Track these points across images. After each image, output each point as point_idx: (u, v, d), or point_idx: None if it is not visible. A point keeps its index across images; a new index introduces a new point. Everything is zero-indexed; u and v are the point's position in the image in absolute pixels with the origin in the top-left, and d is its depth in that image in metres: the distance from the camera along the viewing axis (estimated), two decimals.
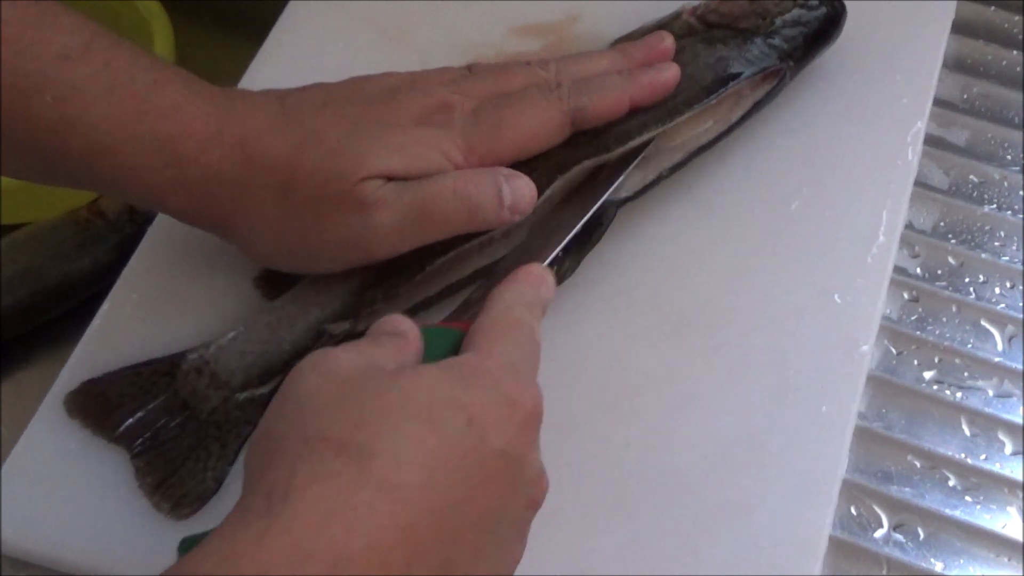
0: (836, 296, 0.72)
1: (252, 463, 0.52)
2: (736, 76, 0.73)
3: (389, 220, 0.64)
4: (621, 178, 0.70)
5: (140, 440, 0.66)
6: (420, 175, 0.65)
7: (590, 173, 0.71)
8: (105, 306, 0.72)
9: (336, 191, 0.63)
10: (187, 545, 0.53)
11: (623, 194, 0.71)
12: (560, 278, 0.69)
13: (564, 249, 0.68)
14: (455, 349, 0.57)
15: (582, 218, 0.69)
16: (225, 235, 0.67)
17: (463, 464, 0.51)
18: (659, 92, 0.71)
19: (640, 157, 0.71)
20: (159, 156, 0.62)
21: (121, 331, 0.71)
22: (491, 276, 0.65)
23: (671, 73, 0.71)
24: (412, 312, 0.69)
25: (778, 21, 0.75)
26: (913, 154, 0.77)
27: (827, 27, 0.77)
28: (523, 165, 0.68)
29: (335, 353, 0.54)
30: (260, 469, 0.50)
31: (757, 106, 0.75)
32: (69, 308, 0.79)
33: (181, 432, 0.66)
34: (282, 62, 0.81)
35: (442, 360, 0.55)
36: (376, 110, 0.67)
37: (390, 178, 0.64)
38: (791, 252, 0.74)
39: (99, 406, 0.68)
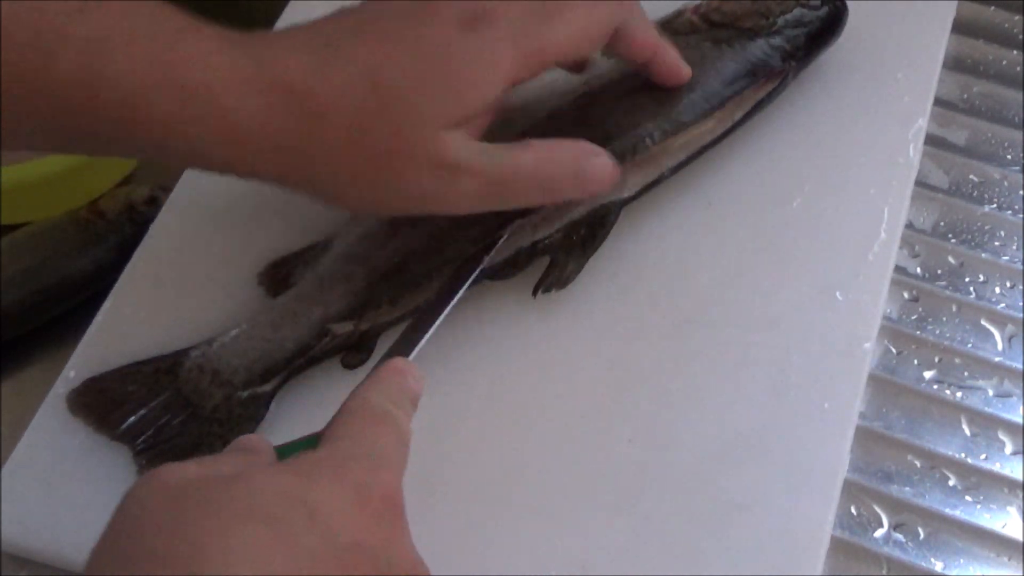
0: (838, 293, 0.72)
1: None
2: (740, 84, 0.73)
3: (471, 187, 0.62)
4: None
5: (143, 438, 0.66)
6: (485, 106, 0.62)
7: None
8: (107, 304, 0.72)
9: (411, 147, 0.61)
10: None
11: (626, 194, 0.71)
12: (565, 281, 0.70)
13: (566, 252, 0.68)
14: None
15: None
16: (289, 186, 0.63)
17: (309, 561, 0.46)
18: (675, 76, 0.71)
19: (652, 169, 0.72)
20: (193, 107, 0.58)
21: (123, 329, 0.71)
22: (493, 280, 0.65)
23: (688, 72, 0.71)
24: (415, 314, 0.69)
25: (780, 20, 0.75)
26: (914, 152, 0.77)
27: (829, 26, 0.78)
28: None
29: (171, 466, 0.50)
30: None
31: (759, 105, 0.75)
32: (69, 308, 0.79)
33: (183, 430, 0.66)
34: None
35: (281, 462, 0.51)
36: (414, 25, 0.62)
37: (462, 122, 0.61)
38: (792, 250, 0.74)
39: (102, 404, 0.68)
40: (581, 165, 0.66)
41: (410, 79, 0.61)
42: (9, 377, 0.77)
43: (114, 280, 0.74)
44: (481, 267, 0.69)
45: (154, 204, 0.80)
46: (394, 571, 0.49)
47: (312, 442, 0.54)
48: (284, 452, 0.53)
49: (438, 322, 0.65)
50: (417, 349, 0.63)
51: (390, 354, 0.62)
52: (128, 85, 0.57)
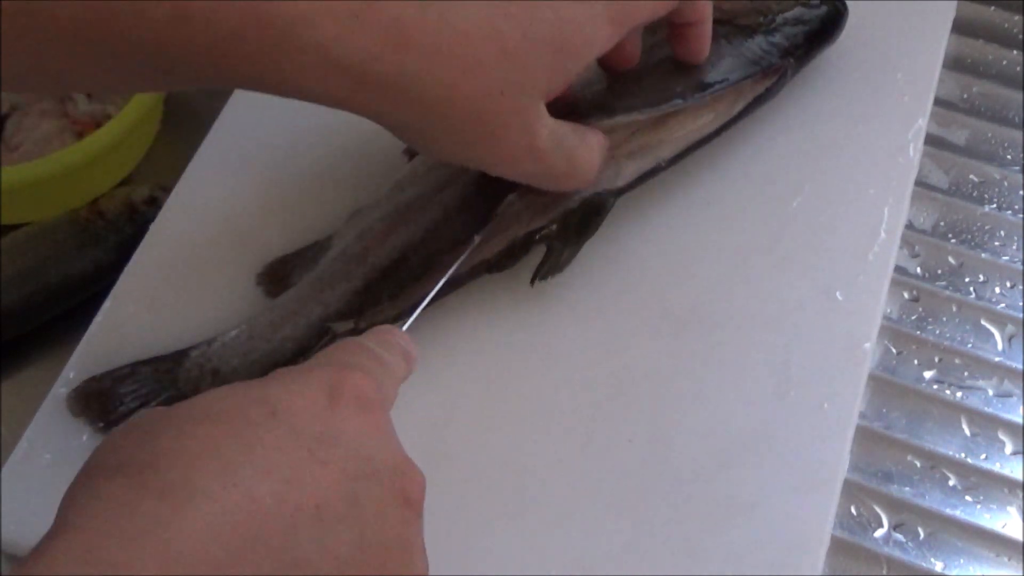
0: (838, 293, 0.72)
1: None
2: (736, 75, 0.73)
3: (543, 169, 0.64)
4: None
5: None
6: (579, 74, 0.63)
7: None
8: (107, 304, 0.72)
9: (512, 110, 0.61)
10: None
11: (620, 183, 0.71)
12: (559, 268, 0.70)
13: (562, 239, 0.68)
14: None
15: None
16: (383, 124, 0.62)
17: (274, 455, 0.45)
18: (702, 49, 0.72)
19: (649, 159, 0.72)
20: (291, 40, 0.56)
21: (123, 329, 0.71)
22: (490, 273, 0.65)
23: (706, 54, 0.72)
24: (415, 308, 0.69)
25: (779, 19, 0.76)
26: (914, 151, 0.77)
27: (828, 25, 0.78)
28: None
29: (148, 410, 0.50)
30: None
31: (758, 101, 0.75)
32: (69, 308, 0.79)
33: None
34: None
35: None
36: None
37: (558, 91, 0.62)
38: (792, 250, 0.74)
39: (102, 403, 0.68)
40: (603, 160, 0.68)
41: (527, 37, 0.60)
42: (9, 377, 0.77)
43: (114, 280, 0.74)
44: (474, 244, 0.69)
45: (154, 204, 0.80)
46: (377, 467, 0.48)
47: None
48: None
49: (431, 294, 0.66)
50: (411, 321, 0.63)
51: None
52: (221, 22, 0.55)
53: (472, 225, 0.69)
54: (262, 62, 0.56)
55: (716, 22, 0.74)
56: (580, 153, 0.66)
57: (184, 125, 0.86)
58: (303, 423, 0.46)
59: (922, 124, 0.78)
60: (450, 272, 0.68)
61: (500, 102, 0.60)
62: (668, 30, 0.72)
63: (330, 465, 0.46)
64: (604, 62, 0.71)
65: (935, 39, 0.83)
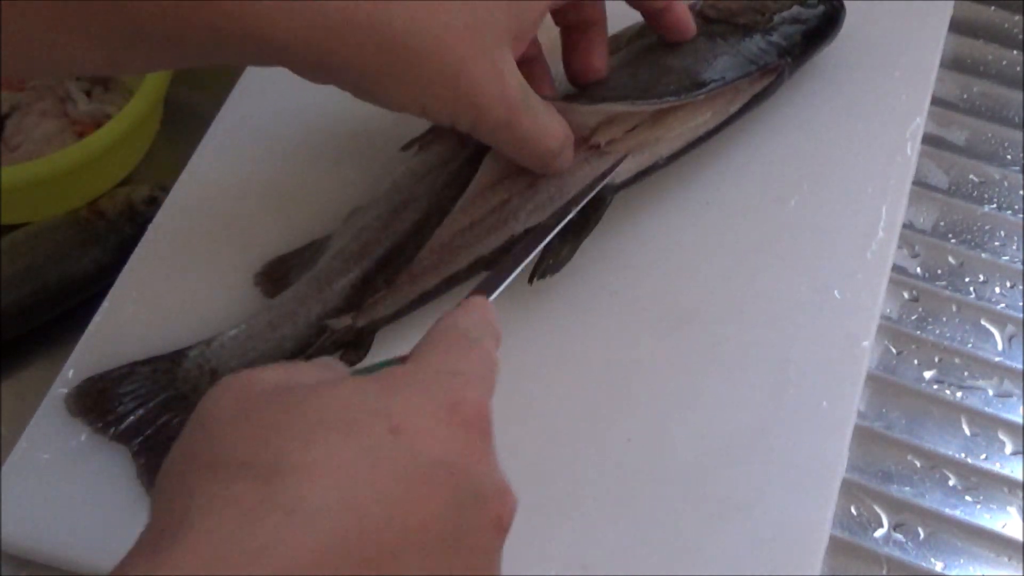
0: (836, 292, 0.72)
1: (153, 498, 0.47)
2: (733, 74, 0.73)
3: (501, 117, 0.64)
4: (614, 170, 0.71)
5: (141, 437, 0.66)
6: (536, 23, 0.65)
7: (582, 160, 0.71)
8: (105, 304, 0.72)
9: (472, 56, 0.62)
10: None
11: (618, 179, 0.71)
12: (558, 266, 0.70)
13: (560, 236, 0.68)
14: None
15: (576, 207, 0.69)
16: (348, 76, 0.63)
17: (390, 478, 0.45)
18: (685, 26, 0.73)
19: (628, 154, 0.72)
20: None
21: (122, 329, 0.71)
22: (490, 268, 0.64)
23: (693, 28, 0.73)
24: (414, 305, 0.69)
25: (776, 18, 0.76)
26: (912, 150, 0.78)
27: (826, 25, 0.78)
28: None
29: (251, 371, 0.49)
30: (156, 503, 0.46)
31: (756, 100, 0.76)
32: (69, 308, 0.79)
33: (182, 429, 0.66)
34: None
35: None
36: None
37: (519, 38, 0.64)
38: (791, 248, 0.74)
39: (100, 404, 0.67)
40: (564, 152, 0.68)
41: None
42: (9, 377, 0.77)
43: (114, 280, 0.74)
44: (573, 213, 0.69)
45: (154, 204, 0.80)
46: (479, 492, 0.48)
47: (389, 364, 0.53)
48: (367, 370, 0.52)
49: (521, 267, 0.64)
50: (499, 291, 0.62)
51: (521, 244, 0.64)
52: None
53: (472, 221, 0.69)
54: (228, 8, 0.57)
55: (714, 22, 0.74)
56: (548, 119, 0.66)
57: (184, 125, 0.86)
58: (422, 446, 0.46)
59: (920, 123, 0.79)
60: (544, 241, 0.68)
61: (464, 38, 0.61)
62: (647, 18, 0.73)
63: (441, 489, 0.46)
64: (573, 73, 0.73)
65: (933, 37, 0.83)
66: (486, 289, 0.61)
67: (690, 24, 0.73)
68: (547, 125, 0.66)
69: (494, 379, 0.52)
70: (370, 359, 0.69)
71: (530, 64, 0.70)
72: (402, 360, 0.52)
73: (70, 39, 0.58)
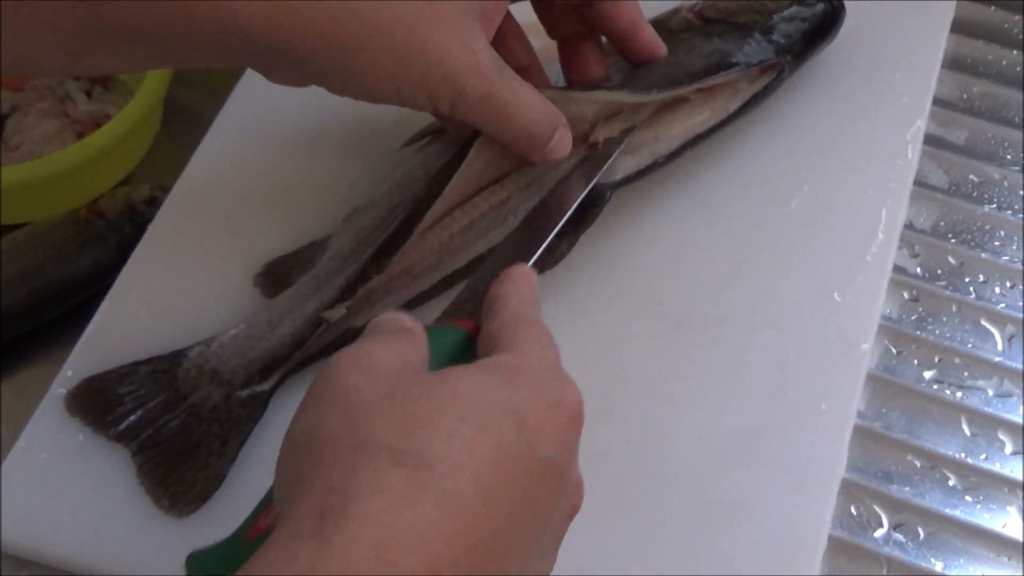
0: (836, 294, 0.72)
1: (291, 471, 0.48)
2: (729, 67, 0.73)
3: (479, 91, 0.63)
4: (610, 161, 0.70)
5: (141, 438, 0.66)
6: None
7: (582, 158, 0.71)
8: (105, 304, 0.72)
9: (442, 28, 0.62)
10: (195, 561, 0.51)
11: (618, 176, 0.72)
12: (556, 260, 0.69)
13: (559, 232, 0.68)
14: (462, 349, 0.55)
15: (574, 202, 0.68)
16: (315, 65, 0.62)
17: (515, 473, 0.47)
18: (653, 49, 0.72)
19: (625, 144, 0.71)
20: None
21: (121, 329, 0.71)
22: (484, 267, 0.64)
23: (663, 50, 0.73)
24: (412, 305, 0.69)
25: (776, 18, 0.76)
26: (913, 152, 0.78)
27: (825, 24, 0.78)
28: None
29: (364, 348, 0.50)
30: (304, 480, 0.46)
31: (755, 99, 0.76)
32: (69, 308, 0.79)
33: (182, 430, 0.66)
34: None
35: (479, 361, 0.52)
36: None
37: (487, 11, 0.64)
38: (791, 250, 0.74)
39: (100, 404, 0.68)
40: (557, 132, 0.67)
41: None
42: (9, 377, 0.77)
43: (114, 280, 0.74)
44: (593, 182, 0.69)
45: (154, 204, 0.80)
46: (567, 486, 0.51)
47: (458, 335, 0.56)
48: (432, 335, 0.54)
49: (556, 230, 0.66)
50: (535, 257, 0.63)
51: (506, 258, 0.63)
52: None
53: (470, 220, 0.69)
54: (192, 6, 0.58)
55: (713, 22, 0.74)
56: (528, 94, 0.65)
57: (184, 125, 0.86)
58: (539, 442, 0.48)
59: (921, 125, 0.79)
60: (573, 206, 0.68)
61: (426, 15, 0.61)
62: (615, 45, 0.73)
63: (544, 486, 0.49)
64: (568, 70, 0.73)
65: (934, 39, 0.83)
66: (523, 256, 0.63)
67: (660, 45, 0.73)
68: (528, 99, 0.66)
69: None
70: None
71: (525, 73, 0.70)
72: (466, 330, 0.56)
73: (38, 35, 0.58)
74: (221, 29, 0.59)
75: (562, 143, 0.68)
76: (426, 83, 0.62)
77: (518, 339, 0.53)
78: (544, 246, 0.65)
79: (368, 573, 0.42)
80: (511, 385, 0.49)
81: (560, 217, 0.67)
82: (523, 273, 0.59)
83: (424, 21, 0.61)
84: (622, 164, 0.71)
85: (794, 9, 0.77)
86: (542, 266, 0.69)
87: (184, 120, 0.87)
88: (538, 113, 0.66)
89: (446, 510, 0.44)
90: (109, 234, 0.80)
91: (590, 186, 0.69)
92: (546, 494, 0.49)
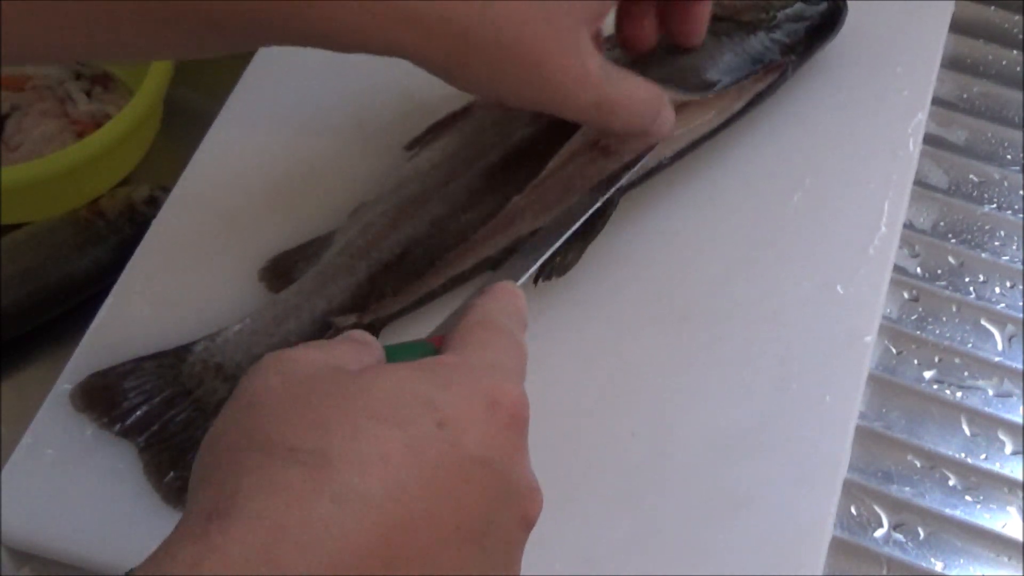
0: (838, 287, 0.72)
1: (197, 474, 0.47)
2: (738, 74, 0.74)
3: (591, 98, 0.64)
4: (630, 172, 0.71)
5: (147, 433, 0.66)
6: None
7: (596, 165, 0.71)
8: (110, 300, 0.72)
9: (561, 39, 0.62)
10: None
11: (624, 181, 0.71)
12: (564, 268, 0.70)
13: (567, 239, 0.68)
14: None
15: (587, 210, 0.68)
16: (426, 61, 0.63)
17: (435, 471, 0.45)
18: (699, 30, 0.72)
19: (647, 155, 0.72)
20: None
21: (126, 326, 0.71)
22: (494, 270, 0.64)
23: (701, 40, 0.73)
24: (417, 304, 0.69)
25: (780, 15, 0.76)
26: (914, 146, 0.78)
27: (829, 21, 0.78)
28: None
29: (294, 351, 0.49)
30: (203, 481, 0.46)
31: (759, 97, 0.76)
32: (69, 308, 0.79)
33: (188, 424, 0.66)
34: (282, 62, 0.81)
35: (415, 361, 0.50)
36: None
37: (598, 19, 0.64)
38: (793, 244, 0.74)
39: (106, 399, 0.67)
40: (661, 112, 0.68)
41: None
42: (9, 377, 0.77)
43: (114, 280, 0.73)
44: (605, 197, 0.69)
45: (154, 204, 0.80)
46: (513, 489, 0.48)
47: (420, 347, 0.53)
48: (393, 353, 0.52)
49: (548, 253, 0.65)
50: (526, 277, 0.62)
51: (497, 278, 0.62)
52: None
53: (478, 221, 0.69)
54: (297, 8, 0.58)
55: (718, 19, 0.74)
56: (632, 85, 0.66)
57: (184, 125, 0.86)
58: (466, 440, 0.46)
59: (922, 118, 0.79)
60: (573, 227, 0.67)
61: (542, 32, 0.61)
62: (667, 10, 0.72)
63: (477, 486, 0.46)
64: (625, 41, 0.73)
65: (934, 32, 0.84)
66: (511, 275, 0.61)
67: (703, 30, 0.73)
68: (633, 91, 0.66)
69: (525, 370, 0.53)
70: None
71: None
72: (434, 344, 0.53)
73: (123, 22, 0.58)
74: (333, 37, 0.60)
75: (665, 122, 0.69)
76: (537, 96, 0.64)
77: (467, 340, 0.52)
78: (546, 257, 0.65)
79: (252, 575, 0.41)
80: (437, 383, 0.48)
81: (574, 221, 0.67)
82: (504, 288, 0.57)
83: (541, 42, 0.62)
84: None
85: (798, 7, 0.77)
86: (550, 275, 0.69)
87: (184, 120, 0.87)
88: (642, 102, 0.67)
89: (346, 508, 0.43)
90: (109, 234, 0.80)
91: (611, 191, 0.70)
92: (480, 495, 0.47)
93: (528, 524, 0.50)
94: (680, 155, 0.74)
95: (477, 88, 0.65)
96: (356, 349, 0.51)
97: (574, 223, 0.67)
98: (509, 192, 0.70)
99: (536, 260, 0.64)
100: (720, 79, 0.73)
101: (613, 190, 0.70)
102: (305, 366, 0.48)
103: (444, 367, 0.49)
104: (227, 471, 0.45)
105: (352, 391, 0.46)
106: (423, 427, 0.46)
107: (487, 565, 0.47)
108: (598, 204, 0.68)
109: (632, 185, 0.72)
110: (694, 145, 0.74)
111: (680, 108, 0.72)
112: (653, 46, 0.72)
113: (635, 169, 0.71)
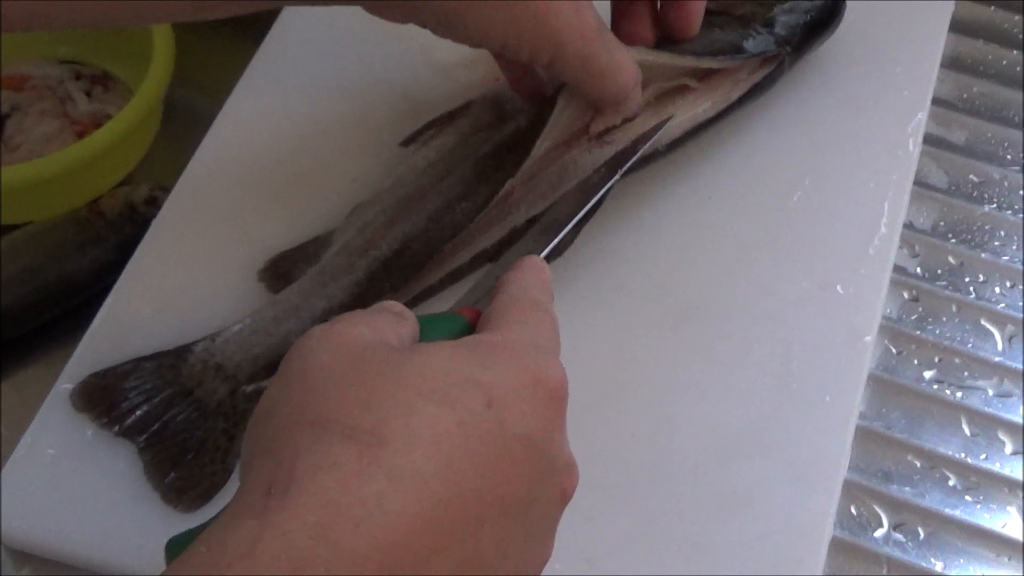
0: (838, 287, 0.72)
1: (250, 448, 0.48)
2: (731, 54, 0.74)
3: (587, 53, 0.65)
4: (630, 163, 0.70)
5: (147, 433, 0.66)
6: None
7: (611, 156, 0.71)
8: (110, 300, 0.72)
9: (561, 6, 0.63)
10: (174, 545, 0.49)
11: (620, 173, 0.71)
12: (559, 252, 0.69)
13: (562, 222, 0.68)
14: (461, 336, 0.54)
15: (586, 204, 0.68)
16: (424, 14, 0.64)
17: (482, 449, 0.46)
18: (695, 19, 0.73)
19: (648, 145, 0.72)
20: None
21: (126, 326, 0.71)
22: (498, 263, 0.64)
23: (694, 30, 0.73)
24: (417, 300, 0.70)
25: (776, 9, 0.76)
26: (914, 145, 0.78)
27: (826, 17, 0.78)
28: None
29: (341, 326, 0.50)
30: (258, 456, 0.46)
31: (756, 90, 0.76)
32: (69, 308, 0.79)
33: (188, 424, 0.66)
34: (281, 61, 0.81)
35: (458, 339, 0.51)
36: None
37: None
38: (793, 243, 0.74)
39: (106, 399, 0.67)
40: (635, 91, 0.69)
41: None
42: (9, 377, 0.77)
43: (114, 280, 0.73)
44: (616, 177, 0.69)
45: (154, 204, 0.80)
46: (553, 466, 0.49)
47: (455, 320, 0.55)
48: (427, 324, 0.53)
49: (570, 226, 0.65)
50: (548, 249, 0.63)
51: (519, 252, 0.63)
52: None
53: (473, 210, 0.69)
54: None
55: (713, 13, 0.74)
56: (622, 56, 0.67)
57: (184, 125, 0.86)
58: (511, 419, 0.47)
59: (922, 118, 0.79)
60: (592, 201, 0.68)
61: None
62: (663, 7, 0.73)
63: (520, 464, 0.47)
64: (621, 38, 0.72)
65: (934, 32, 0.84)
66: (535, 249, 0.62)
67: (698, 18, 0.73)
68: (621, 61, 0.67)
69: (559, 342, 0.54)
70: None
71: None
72: (466, 318, 0.54)
73: None
74: None
75: (637, 97, 0.70)
76: (535, 41, 0.64)
77: (506, 319, 0.53)
78: (560, 238, 0.65)
79: (309, 552, 0.41)
80: (483, 362, 0.48)
81: (579, 211, 0.67)
82: (533, 262, 0.59)
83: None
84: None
85: (794, 1, 0.77)
86: (546, 258, 0.69)
87: (184, 120, 0.87)
88: (628, 75, 0.68)
89: (399, 487, 0.43)
90: (109, 234, 0.80)
91: (613, 181, 0.69)
92: (523, 473, 0.47)
93: (565, 499, 0.51)
94: (675, 145, 0.74)
95: (474, 36, 0.64)
96: (395, 321, 0.52)
97: (574, 215, 0.66)
98: (501, 179, 0.70)
99: (538, 251, 0.64)
100: (711, 62, 0.73)
101: (614, 180, 0.69)
102: (352, 341, 0.49)
103: (488, 346, 0.50)
104: (283, 447, 0.45)
105: (402, 370, 0.47)
106: (472, 406, 0.46)
107: (527, 540, 0.48)
108: (601, 193, 0.68)
109: (627, 171, 0.72)
110: (690, 136, 0.74)
111: (675, 95, 0.72)
112: (649, 43, 0.72)
113: (631, 161, 0.71)
